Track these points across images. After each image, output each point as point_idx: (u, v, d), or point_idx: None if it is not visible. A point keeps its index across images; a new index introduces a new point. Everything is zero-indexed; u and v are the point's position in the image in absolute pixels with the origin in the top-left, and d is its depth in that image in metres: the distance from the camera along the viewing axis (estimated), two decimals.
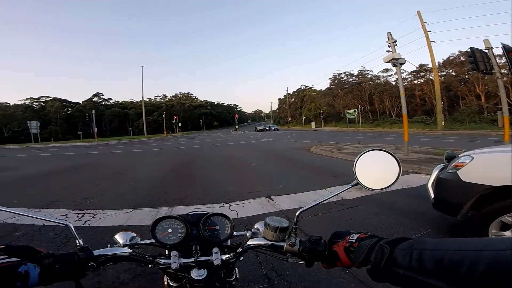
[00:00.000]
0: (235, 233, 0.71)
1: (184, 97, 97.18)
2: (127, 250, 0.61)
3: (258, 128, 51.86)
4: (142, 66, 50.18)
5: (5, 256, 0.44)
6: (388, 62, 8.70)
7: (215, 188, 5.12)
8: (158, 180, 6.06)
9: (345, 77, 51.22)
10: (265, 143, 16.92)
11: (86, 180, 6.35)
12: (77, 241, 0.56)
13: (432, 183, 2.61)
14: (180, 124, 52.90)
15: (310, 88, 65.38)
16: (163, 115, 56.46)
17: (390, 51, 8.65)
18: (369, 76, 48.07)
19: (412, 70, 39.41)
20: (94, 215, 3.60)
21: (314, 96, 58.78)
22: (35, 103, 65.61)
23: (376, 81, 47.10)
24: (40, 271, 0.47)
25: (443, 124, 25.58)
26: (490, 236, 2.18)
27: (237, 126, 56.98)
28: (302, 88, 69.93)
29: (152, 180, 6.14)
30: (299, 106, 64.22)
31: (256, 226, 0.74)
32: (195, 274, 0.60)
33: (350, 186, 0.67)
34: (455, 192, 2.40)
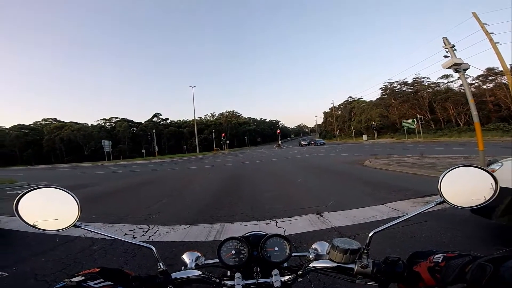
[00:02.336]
0: (293, 254, 0.71)
1: (230, 115, 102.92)
2: (198, 273, 0.63)
3: (302, 143, 50.79)
4: (193, 87, 53.65)
5: (102, 280, 0.49)
6: (449, 68, 7.79)
7: (262, 204, 5.10)
8: (210, 197, 6.33)
9: (398, 86, 47.58)
10: (311, 158, 16.34)
11: (150, 197, 7.02)
12: (159, 264, 0.60)
13: None
14: (227, 142, 55.84)
15: (359, 99, 62.14)
16: (213, 133, 60.52)
17: (448, 57, 7.93)
18: (426, 84, 43.61)
19: (479, 74, 34.45)
20: (157, 230, 3.90)
21: (363, 107, 55.44)
22: (107, 124, 78.03)
23: (436, 88, 42.34)
24: None
25: None
26: None
27: (279, 142, 56.75)
28: (349, 99, 67.04)
29: (205, 196, 6.44)
30: (348, 119, 61.11)
31: (314, 246, 0.75)
32: None
33: (434, 204, 0.61)
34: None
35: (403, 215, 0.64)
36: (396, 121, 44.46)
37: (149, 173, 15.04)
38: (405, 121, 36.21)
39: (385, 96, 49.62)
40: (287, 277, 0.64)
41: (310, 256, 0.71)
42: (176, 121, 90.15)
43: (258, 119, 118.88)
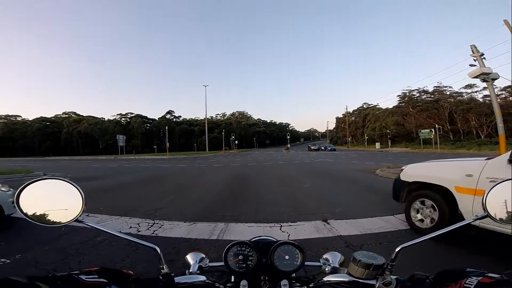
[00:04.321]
0: (305, 264, 0.65)
1: (240, 116, 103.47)
2: (203, 278, 0.60)
3: (312, 147, 50.05)
4: (206, 86, 53.58)
5: (96, 276, 0.48)
6: (476, 77, 7.45)
7: (267, 207, 5.03)
8: (216, 196, 6.33)
9: (417, 94, 46.27)
10: (320, 163, 16.09)
11: (157, 192, 7.12)
12: (162, 266, 0.57)
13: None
14: (236, 142, 56.02)
15: (375, 106, 60.91)
16: (222, 133, 61.01)
17: (475, 65, 7.55)
18: (448, 93, 42.10)
19: (507, 85, 32.84)
20: (162, 225, 3.92)
21: (379, 114, 54.23)
22: (123, 119, 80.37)
23: (458, 98, 40.83)
24: None
25: None
26: (415, 219, 3.36)
27: (289, 145, 55.74)
28: (364, 106, 65.84)
29: (212, 195, 6.44)
30: (361, 126, 59.99)
31: (325, 256, 0.70)
32: None
33: (475, 219, 0.57)
34: (397, 186, 3.84)
35: (437, 231, 0.58)
36: (412, 130, 43.13)
37: (159, 169, 15.29)
38: (422, 131, 35.05)
39: (403, 104, 48.39)
40: None
41: (326, 269, 0.66)
42: (188, 119, 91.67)
43: (268, 121, 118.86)
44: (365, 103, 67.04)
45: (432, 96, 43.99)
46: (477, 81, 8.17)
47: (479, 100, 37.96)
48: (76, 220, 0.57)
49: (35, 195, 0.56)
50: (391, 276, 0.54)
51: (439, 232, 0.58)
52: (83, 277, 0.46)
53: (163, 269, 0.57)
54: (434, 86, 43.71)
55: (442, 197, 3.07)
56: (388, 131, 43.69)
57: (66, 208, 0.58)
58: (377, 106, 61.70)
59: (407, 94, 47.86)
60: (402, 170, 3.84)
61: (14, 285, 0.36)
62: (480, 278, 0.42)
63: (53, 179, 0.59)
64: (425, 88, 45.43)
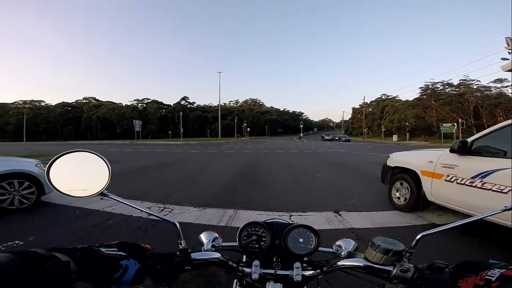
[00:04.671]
0: (319, 249, 0.65)
1: (253, 103, 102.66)
2: (218, 255, 0.61)
3: (326, 137, 48.98)
4: (220, 72, 53.92)
5: (115, 249, 0.50)
6: (509, 71, 6.77)
7: (277, 196, 4.96)
8: (226, 182, 6.35)
9: (441, 87, 43.79)
10: (334, 154, 15.71)
11: (169, 177, 7.24)
12: (180, 242, 0.58)
13: None
14: (248, 129, 55.96)
15: (394, 98, 58.31)
16: (235, 120, 61.02)
17: (508, 59, 6.87)
18: (475, 87, 39.62)
19: None
20: (172, 210, 3.98)
21: (398, 106, 52.04)
22: (139, 104, 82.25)
23: (485, 92, 38.42)
24: (139, 268, 0.50)
25: None
26: (394, 197, 4.16)
27: (301, 134, 54.38)
28: (383, 97, 63.23)
29: (222, 181, 6.47)
30: (378, 117, 57.93)
31: (338, 243, 0.69)
32: (271, 287, 0.57)
33: (501, 211, 0.55)
34: (384, 170, 4.60)
35: (463, 220, 0.56)
36: (433, 123, 41.18)
37: (173, 154, 15.61)
38: (443, 125, 33.19)
39: (424, 97, 46.07)
40: (310, 272, 0.59)
41: (342, 253, 0.65)
42: (202, 105, 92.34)
43: (281, 109, 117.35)
44: (383, 94, 64.46)
45: (457, 89, 41.51)
46: (508, 75, 7.41)
47: (508, 95, 35.50)
48: (101, 194, 0.57)
49: (64, 167, 0.57)
50: (409, 264, 0.52)
51: (463, 222, 0.55)
52: (103, 249, 0.48)
53: (181, 245, 0.58)
54: (460, 79, 41.29)
55: (413, 180, 3.77)
56: (407, 123, 41.84)
57: (93, 181, 0.58)
58: (396, 98, 59.13)
59: (430, 86, 45.49)
60: (389, 157, 4.59)
61: (35, 257, 0.37)
62: (504, 270, 0.40)
63: (83, 152, 0.60)
64: (449, 81, 43.04)
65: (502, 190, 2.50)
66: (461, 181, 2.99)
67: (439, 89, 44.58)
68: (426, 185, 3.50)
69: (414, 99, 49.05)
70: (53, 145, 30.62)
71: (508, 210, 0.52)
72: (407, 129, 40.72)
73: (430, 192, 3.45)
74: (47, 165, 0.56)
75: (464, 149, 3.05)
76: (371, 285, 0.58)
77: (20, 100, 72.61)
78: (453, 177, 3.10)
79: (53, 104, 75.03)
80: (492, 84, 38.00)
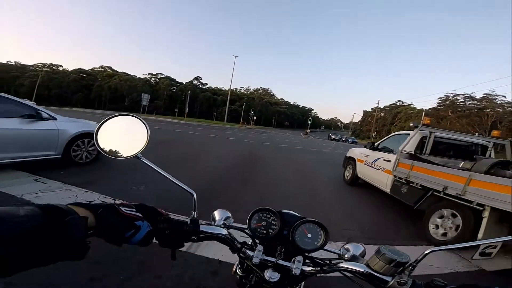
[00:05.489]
0: (325, 248, 0.66)
1: (264, 92, 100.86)
2: (225, 232, 0.62)
3: (333, 137, 47.86)
4: (235, 56, 51.89)
5: (133, 209, 0.53)
6: None
7: (276, 201, 4.26)
8: (217, 177, 5.48)
9: (462, 100, 42.17)
10: (341, 156, 14.94)
11: (157, 162, 6.72)
12: (193, 212, 0.61)
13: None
14: (255, 118, 54.97)
15: (409, 105, 56.39)
16: (243, 106, 59.93)
17: None
18: (498, 102, 37.99)
19: None
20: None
21: (411, 114, 50.47)
22: (153, 79, 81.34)
23: (509, 108, 36.75)
24: (150, 230, 0.53)
25: None
26: (345, 175, 6.72)
27: (308, 130, 52.95)
28: (397, 103, 61.29)
29: (211, 175, 5.57)
30: (389, 123, 56.39)
31: (347, 246, 0.68)
32: (269, 275, 0.59)
33: (504, 240, 0.54)
34: (344, 159, 7.07)
35: (473, 242, 0.62)
36: None
37: (170, 132, 15.04)
38: None
39: (441, 107, 44.42)
40: (309, 268, 0.60)
41: (346, 256, 0.64)
42: (213, 87, 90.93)
43: (291, 103, 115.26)
44: (399, 101, 62.32)
45: (479, 103, 39.70)
46: None
47: None
48: (136, 157, 0.63)
49: (109, 130, 0.64)
50: (409, 278, 0.51)
51: (474, 243, 0.56)
52: (123, 208, 0.51)
53: (194, 215, 0.61)
54: (484, 93, 39.31)
55: (353, 164, 6.23)
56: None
57: (132, 144, 0.64)
58: (411, 106, 57.17)
59: (450, 98, 43.74)
60: (347, 151, 6.98)
61: (57, 211, 0.39)
62: None
63: (128, 116, 0.67)
64: (472, 94, 41.17)
65: (380, 169, 5.00)
66: (368, 164, 5.50)
67: (459, 101, 42.94)
68: (357, 167, 6.01)
69: (430, 108, 47.50)
70: (54, 110, 30.38)
71: (508, 239, 0.52)
72: None
73: (358, 171, 5.97)
74: (96, 128, 0.63)
75: (372, 147, 5.62)
76: None
77: (40, 63, 72.27)
78: (366, 161, 5.63)
79: (70, 69, 74.72)
80: None
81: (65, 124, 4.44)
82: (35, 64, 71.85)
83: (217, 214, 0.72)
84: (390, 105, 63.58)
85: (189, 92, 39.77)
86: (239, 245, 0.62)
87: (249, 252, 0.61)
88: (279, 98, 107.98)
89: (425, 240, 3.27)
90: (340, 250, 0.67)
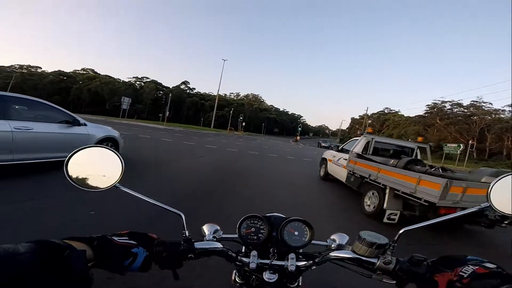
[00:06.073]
0: (313, 242, 0.69)
1: (254, 98, 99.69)
2: (219, 245, 0.64)
3: (323, 144, 46.75)
4: (225, 60, 49.61)
5: (126, 238, 0.53)
6: None
7: None
8: (179, 199, 3.76)
9: (449, 107, 42.68)
10: None
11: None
12: (185, 232, 0.62)
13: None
14: (243, 124, 53.08)
15: (396, 112, 56.81)
16: (231, 112, 57.99)
17: None
18: (486, 109, 38.48)
19: None
20: None
21: (399, 121, 50.62)
22: (138, 82, 77.82)
23: (496, 116, 37.32)
24: (147, 256, 0.54)
25: None
26: (320, 173, 8.24)
27: (298, 137, 52.44)
28: (385, 111, 61.72)
29: (172, 196, 3.90)
30: (377, 130, 56.37)
31: (333, 237, 0.74)
32: (267, 276, 0.62)
33: (477, 209, 0.58)
34: (320, 160, 8.45)
35: (443, 217, 0.60)
36: (433, 142, 39.89)
37: (136, 138, 12.81)
38: (447, 145, 31.23)
39: (428, 115, 44.67)
40: (303, 263, 0.63)
41: (332, 246, 0.70)
42: (201, 92, 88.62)
43: (281, 110, 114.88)
44: (386, 108, 62.95)
45: (466, 110, 40.14)
46: None
47: None
48: (114, 187, 0.63)
49: (81, 161, 0.62)
50: (392, 257, 0.56)
51: (445, 218, 0.59)
52: (115, 238, 0.51)
53: (185, 235, 0.62)
54: (472, 101, 39.91)
55: (325, 163, 7.75)
56: (409, 140, 40.16)
57: (106, 175, 0.63)
58: (399, 113, 57.65)
59: (438, 105, 44.10)
60: (323, 153, 8.30)
61: (51, 246, 0.38)
62: (476, 267, 0.41)
63: (99, 147, 0.65)
64: (459, 101, 41.78)
65: (340, 165, 6.47)
66: (334, 162, 7.00)
67: (446, 108, 43.36)
68: (328, 165, 7.51)
69: (417, 116, 47.87)
70: None
71: (483, 208, 0.55)
72: None
73: (328, 168, 7.48)
74: (66, 158, 0.60)
75: (337, 149, 7.28)
76: (360, 276, 0.61)
77: (17, 64, 67.09)
78: (333, 161, 7.13)
79: (49, 71, 69.96)
80: (507, 108, 36.81)
81: (93, 129, 5.07)
82: (11, 66, 66.87)
83: (206, 228, 0.74)
84: (377, 112, 64.04)
85: (169, 95, 37.13)
86: (234, 255, 0.64)
87: (245, 259, 0.63)
88: (269, 104, 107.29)
89: (361, 212, 4.55)
90: (327, 241, 0.72)
